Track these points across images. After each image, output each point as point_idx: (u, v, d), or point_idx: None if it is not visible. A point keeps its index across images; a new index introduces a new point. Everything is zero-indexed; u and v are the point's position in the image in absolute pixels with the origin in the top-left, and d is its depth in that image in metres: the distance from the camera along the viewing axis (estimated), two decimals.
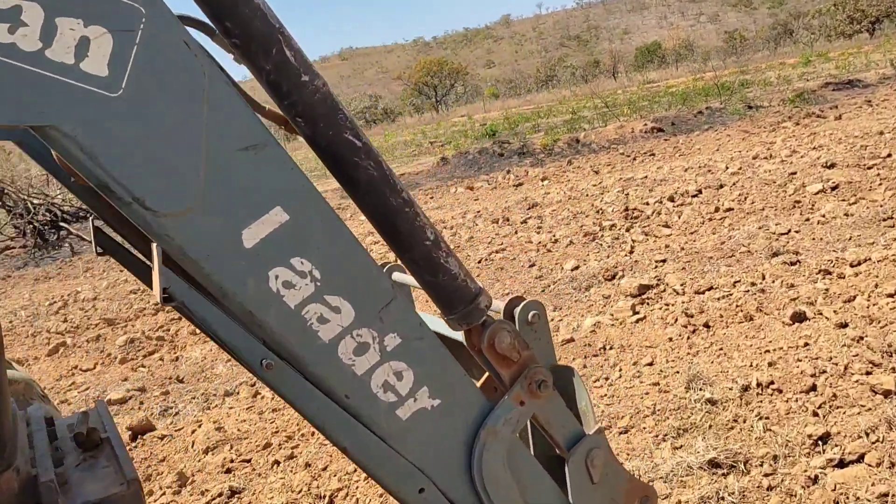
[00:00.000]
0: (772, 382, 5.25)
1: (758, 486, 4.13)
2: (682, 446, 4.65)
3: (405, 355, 1.74)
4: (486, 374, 2.36)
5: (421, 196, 18.43)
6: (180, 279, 1.55)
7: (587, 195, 14.38)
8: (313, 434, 5.69)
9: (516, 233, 12.13)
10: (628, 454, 4.70)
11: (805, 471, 4.17)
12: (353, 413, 1.77)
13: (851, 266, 7.41)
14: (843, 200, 10.18)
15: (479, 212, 14.68)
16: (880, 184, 10.65)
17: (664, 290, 7.85)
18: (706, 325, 6.67)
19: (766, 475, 4.22)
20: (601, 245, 10.33)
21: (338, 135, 1.62)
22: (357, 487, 4.86)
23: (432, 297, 1.88)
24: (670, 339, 6.52)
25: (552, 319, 7.62)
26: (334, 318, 1.56)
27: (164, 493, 5.25)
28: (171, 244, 1.39)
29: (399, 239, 1.72)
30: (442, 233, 10.12)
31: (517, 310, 2.47)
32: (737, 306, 6.94)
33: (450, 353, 1.99)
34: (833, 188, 10.89)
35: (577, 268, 9.37)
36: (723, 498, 4.04)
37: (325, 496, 4.85)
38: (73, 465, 2.21)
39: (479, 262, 10.54)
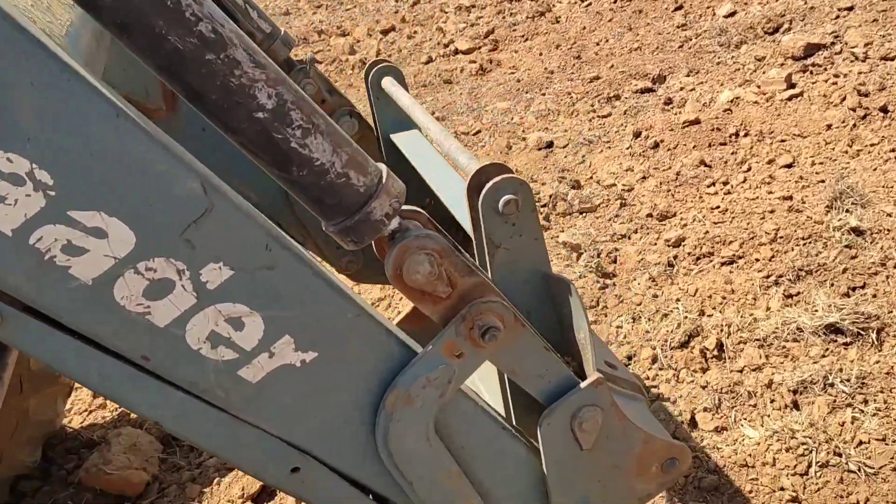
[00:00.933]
0: None
1: (887, 372, 3.10)
2: (797, 296, 3.59)
3: (244, 294, 1.28)
4: None
5: None
6: None
7: None
8: None
9: None
10: (723, 298, 3.72)
11: None
12: (165, 377, 1.33)
13: None
14: None
15: None
16: None
17: (839, 53, 6.06)
18: (883, 110, 5.08)
19: None
20: None
21: None
22: None
23: (297, 199, 1.32)
24: (828, 128, 5.05)
25: (681, 88, 6.20)
26: (96, 247, 1.12)
27: None
28: None
29: (212, 109, 1.13)
30: None
31: (482, 194, 1.52)
32: None
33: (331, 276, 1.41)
34: None
35: (732, 14, 7.51)
36: (832, 384, 3.08)
37: None
38: None
39: (615, 1, 8.79)
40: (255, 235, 1.28)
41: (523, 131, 6.25)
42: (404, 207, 1.57)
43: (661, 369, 3.42)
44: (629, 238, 4.45)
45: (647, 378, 3.39)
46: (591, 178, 5.21)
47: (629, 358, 3.53)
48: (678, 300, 3.84)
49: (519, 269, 1.82)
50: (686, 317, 3.66)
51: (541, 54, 8.20)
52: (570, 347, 1.89)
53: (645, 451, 1.85)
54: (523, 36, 9.01)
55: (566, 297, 1.82)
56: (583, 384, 1.69)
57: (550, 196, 4.90)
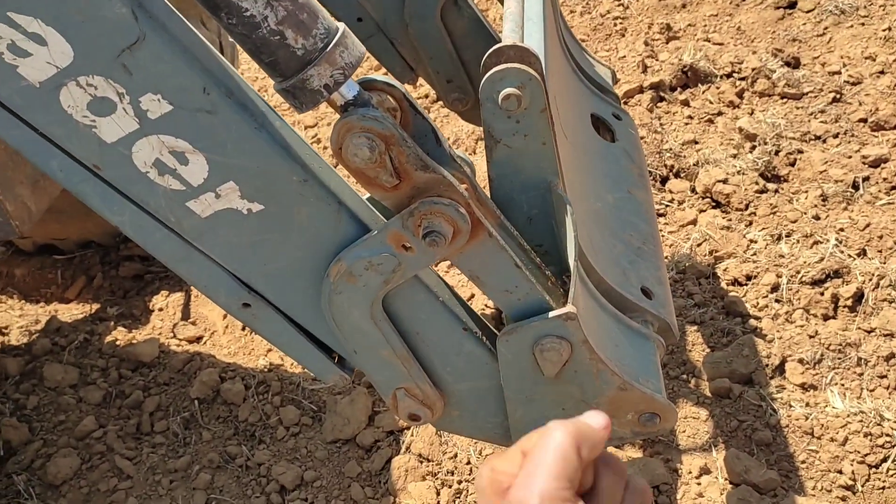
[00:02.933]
0: None
1: None
2: None
3: (185, 131, 1.30)
4: None
5: None
6: None
7: None
8: None
9: None
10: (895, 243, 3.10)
11: None
12: (121, 192, 1.41)
13: None
14: None
15: None
16: None
17: None
18: None
19: None
20: None
21: None
22: None
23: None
24: None
25: None
26: (38, 53, 1.18)
27: None
28: None
29: None
30: None
31: (482, 82, 1.40)
32: None
33: (297, 136, 1.41)
34: None
35: None
36: None
37: None
38: None
39: None
40: (190, 76, 1.27)
41: None
42: (377, 78, 1.43)
43: (776, 301, 3.02)
44: (823, 141, 3.78)
45: (755, 307, 3.02)
46: (818, 58, 4.37)
47: (748, 278, 3.15)
48: (841, 230, 3.28)
49: (520, 171, 1.62)
50: (837, 252, 3.14)
51: None
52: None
53: (619, 397, 1.69)
54: None
55: (563, 218, 1.61)
56: (551, 314, 1.54)
57: (753, 70, 4.21)
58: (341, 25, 1.29)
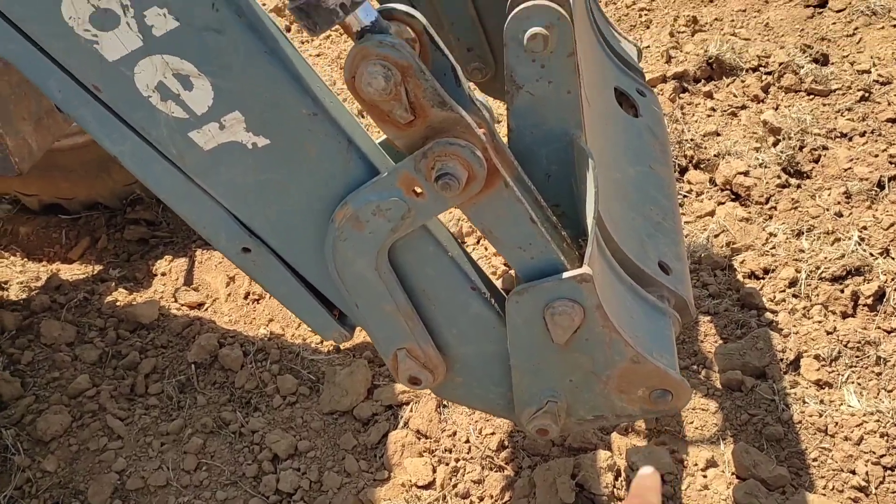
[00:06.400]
0: None
1: None
2: None
3: (191, 51, 1.21)
4: None
5: None
6: None
7: None
8: None
9: None
10: None
11: None
12: (121, 117, 1.34)
13: None
14: None
15: None
16: None
17: None
18: None
19: None
20: None
21: None
22: None
23: None
24: None
25: None
26: None
27: None
28: None
29: None
30: None
31: (507, 21, 1.32)
32: None
33: (309, 67, 1.36)
34: None
35: None
36: None
37: None
38: None
39: None
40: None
41: None
42: (396, 7, 1.36)
43: (794, 296, 2.92)
44: (850, 139, 3.67)
45: (772, 300, 2.93)
46: (847, 56, 4.26)
47: (765, 272, 3.05)
48: (864, 228, 3.18)
49: (542, 122, 1.54)
50: (859, 249, 3.04)
51: None
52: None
53: (631, 370, 1.61)
54: None
55: (584, 174, 1.52)
56: (565, 274, 1.46)
57: (780, 65, 4.11)
58: None
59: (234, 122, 1.36)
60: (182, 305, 3.32)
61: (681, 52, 4.51)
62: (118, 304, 3.31)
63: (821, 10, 4.84)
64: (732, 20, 4.88)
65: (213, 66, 1.29)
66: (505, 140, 1.57)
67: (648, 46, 4.61)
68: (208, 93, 1.32)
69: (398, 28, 1.32)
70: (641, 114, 2.45)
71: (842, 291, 2.88)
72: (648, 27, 4.92)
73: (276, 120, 1.35)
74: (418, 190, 1.37)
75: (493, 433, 2.60)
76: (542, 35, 1.36)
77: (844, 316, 2.84)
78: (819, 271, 2.98)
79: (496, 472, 2.49)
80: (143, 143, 1.40)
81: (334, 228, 1.44)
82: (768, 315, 2.86)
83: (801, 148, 3.61)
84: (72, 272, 3.63)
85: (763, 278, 3.03)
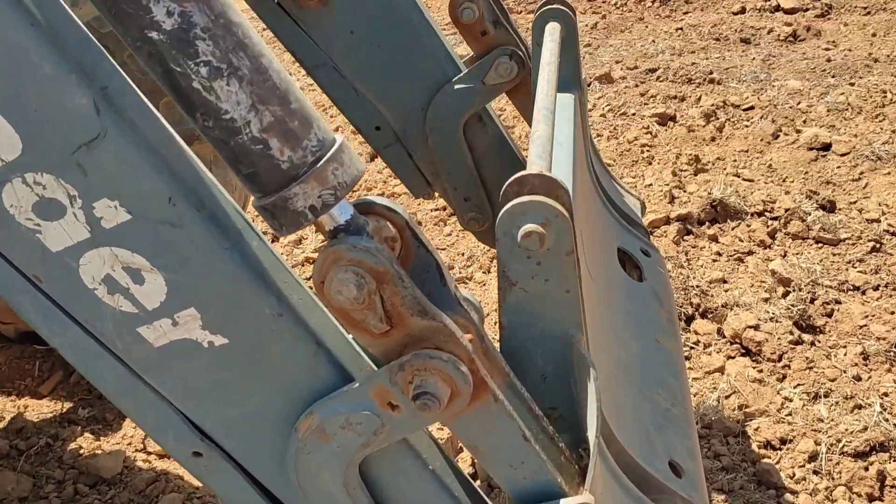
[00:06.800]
0: None
1: None
2: None
3: (143, 245, 1.12)
4: None
5: None
6: None
7: None
8: None
9: None
10: None
11: None
12: (63, 308, 1.21)
13: None
14: None
15: None
16: None
17: None
18: None
19: None
20: None
21: None
22: None
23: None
24: None
25: None
26: None
27: None
28: None
29: (104, 11, 0.96)
30: None
31: (500, 214, 1.17)
32: None
33: (276, 259, 1.21)
34: None
35: None
36: None
37: None
38: None
39: None
40: (155, 182, 1.08)
41: (803, 122, 5.21)
42: (376, 200, 1.22)
43: (814, 473, 2.68)
44: (863, 293, 3.52)
45: (791, 478, 2.68)
46: (854, 203, 4.19)
47: (782, 442, 2.82)
48: (885, 395, 2.97)
49: (537, 321, 1.37)
50: (882, 420, 2.82)
51: (874, 35, 6.75)
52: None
53: None
54: (866, 7, 7.49)
55: (585, 381, 1.35)
56: (562, 501, 1.25)
57: (786, 210, 4.03)
58: (339, 137, 1.09)
59: (189, 319, 1.20)
60: (150, 455, 3.07)
61: (684, 192, 4.45)
62: (81, 451, 3.06)
63: (824, 153, 4.82)
64: (735, 160, 4.85)
65: (167, 260, 1.15)
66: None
67: (651, 185, 4.56)
68: (161, 288, 1.18)
69: (377, 224, 1.18)
70: (646, 277, 2.31)
71: (866, 470, 2.64)
72: (650, 163, 4.89)
73: (235, 319, 1.19)
74: (394, 403, 1.19)
75: None
76: (537, 233, 1.22)
77: (871, 499, 2.58)
78: (840, 444, 2.75)
79: None
80: (86, 335, 1.24)
81: (297, 439, 1.25)
82: (788, 497, 2.60)
83: (812, 301, 3.46)
84: (40, 410, 3.40)
85: (780, 449, 2.79)
